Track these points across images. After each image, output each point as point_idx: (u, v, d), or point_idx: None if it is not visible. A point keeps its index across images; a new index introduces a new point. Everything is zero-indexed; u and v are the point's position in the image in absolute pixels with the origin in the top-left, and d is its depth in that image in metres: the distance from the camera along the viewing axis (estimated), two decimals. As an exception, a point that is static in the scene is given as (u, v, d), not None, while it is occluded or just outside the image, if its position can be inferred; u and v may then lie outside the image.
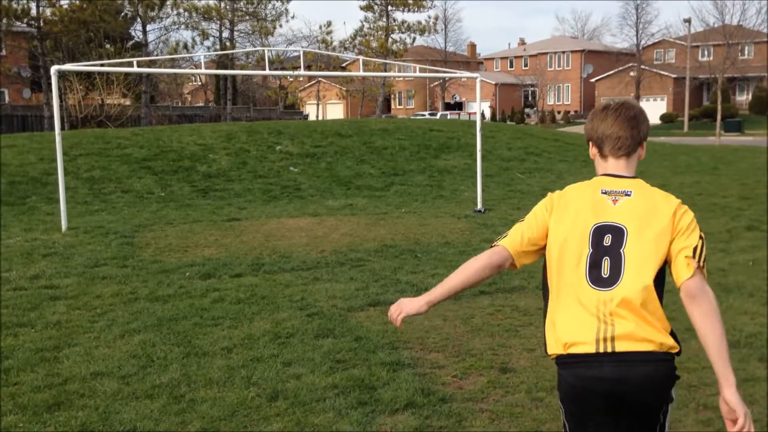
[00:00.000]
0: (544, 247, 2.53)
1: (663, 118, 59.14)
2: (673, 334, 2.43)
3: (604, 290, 2.37)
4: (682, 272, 2.40)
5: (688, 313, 2.40)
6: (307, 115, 53.84)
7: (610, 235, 2.42)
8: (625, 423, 2.41)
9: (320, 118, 58.68)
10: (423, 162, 19.22)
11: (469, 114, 55.06)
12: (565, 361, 2.42)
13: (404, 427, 3.97)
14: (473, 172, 15.09)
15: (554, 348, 2.46)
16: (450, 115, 55.86)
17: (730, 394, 2.28)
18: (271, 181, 16.57)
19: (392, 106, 78.18)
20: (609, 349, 2.33)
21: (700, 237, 2.46)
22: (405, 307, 2.62)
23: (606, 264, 2.40)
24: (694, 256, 2.42)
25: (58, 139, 10.88)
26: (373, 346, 5.26)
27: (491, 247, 2.62)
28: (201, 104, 59.69)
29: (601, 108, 2.61)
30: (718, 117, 42.07)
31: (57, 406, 4.29)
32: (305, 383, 4.57)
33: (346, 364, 4.90)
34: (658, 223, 2.42)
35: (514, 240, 2.55)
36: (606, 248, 2.41)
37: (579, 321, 2.39)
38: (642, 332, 2.34)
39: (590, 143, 2.63)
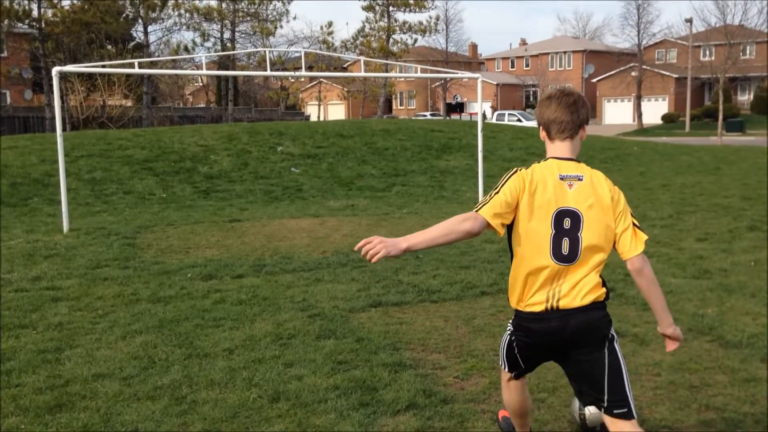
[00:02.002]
0: (510, 220, 2.98)
1: (664, 118, 59.04)
2: (603, 284, 3.03)
3: (562, 264, 2.94)
4: (627, 250, 2.98)
5: (635, 281, 3.03)
6: (309, 116, 53.85)
7: (569, 219, 2.94)
8: (575, 355, 3.04)
9: (321, 118, 58.68)
10: (424, 162, 19.21)
11: (470, 115, 54.87)
12: (522, 315, 3.08)
13: (406, 428, 3.96)
14: (475, 173, 15.08)
15: (515, 303, 3.10)
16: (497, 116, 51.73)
17: (673, 329, 3.11)
18: (272, 182, 16.58)
19: (393, 107, 78.18)
20: (554, 307, 2.96)
21: (631, 214, 3.03)
22: (388, 247, 2.85)
23: (566, 243, 2.94)
24: (635, 236, 2.98)
25: (59, 140, 10.88)
26: (375, 347, 5.25)
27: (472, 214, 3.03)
28: (202, 105, 59.73)
29: (546, 96, 3.08)
30: (720, 117, 42.03)
31: (58, 407, 4.28)
32: (307, 384, 4.56)
33: (348, 365, 4.90)
34: (605, 205, 2.96)
35: (494, 213, 2.94)
36: (566, 230, 2.94)
37: (537, 287, 2.98)
38: (581, 293, 2.96)
39: (541, 128, 3.10)
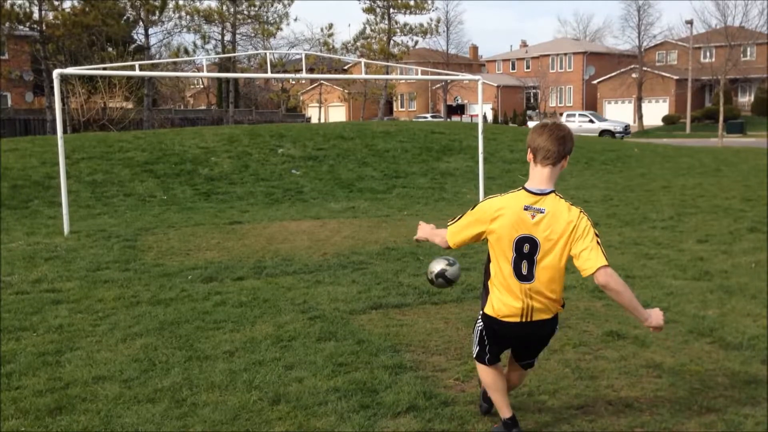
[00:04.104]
0: (471, 239, 3.59)
1: (665, 119, 59.04)
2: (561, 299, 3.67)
3: (524, 283, 3.54)
4: (586, 268, 3.43)
5: (605, 292, 3.51)
6: (309, 118, 53.88)
7: (528, 245, 3.49)
8: (530, 343, 3.81)
9: (322, 120, 58.72)
10: (425, 164, 19.22)
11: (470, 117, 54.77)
12: (497, 321, 3.65)
13: (406, 431, 3.96)
14: (475, 175, 15.09)
15: (490, 311, 3.67)
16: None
17: (650, 321, 3.54)
18: (273, 184, 16.58)
19: (394, 109, 78.19)
20: (529, 320, 3.60)
21: (596, 234, 3.48)
22: (419, 235, 3.92)
23: (525, 265, 3.52)
24: (592, 254, 3.41)
25: (60, 142, 10.89)
26: (375, 349, 5.25)
27: (448, 225, 3.74)
28: (203, 107, 59.74)
29: (540, 126, 3.56)
30: (721, 118, 41.99)
31: (59, 410, 4.28)
32: (307, 386, 4.56)
33: (348, 368, 4.89)
34: (561, 234, 3.46)
35: (455, 237, 3.66)
36: (525, 254, 3.50)
37: (510, 302, 3.58)
38: (548, 308, 3.61)
39: (529, 150, 3.56)
